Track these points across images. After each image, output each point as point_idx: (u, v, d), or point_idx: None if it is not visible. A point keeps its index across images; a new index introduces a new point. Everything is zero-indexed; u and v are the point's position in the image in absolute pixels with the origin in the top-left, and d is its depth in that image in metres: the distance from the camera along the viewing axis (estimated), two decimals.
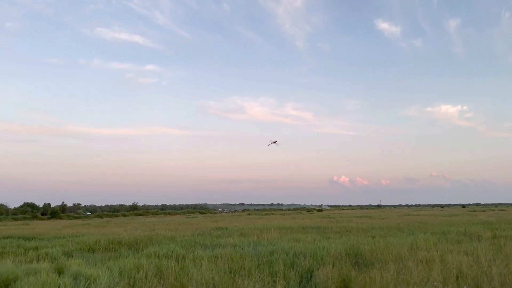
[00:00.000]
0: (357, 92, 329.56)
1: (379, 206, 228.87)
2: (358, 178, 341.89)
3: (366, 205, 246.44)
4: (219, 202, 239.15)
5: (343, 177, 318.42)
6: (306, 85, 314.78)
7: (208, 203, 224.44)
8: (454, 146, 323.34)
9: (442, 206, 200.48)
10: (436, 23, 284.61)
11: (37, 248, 19.99)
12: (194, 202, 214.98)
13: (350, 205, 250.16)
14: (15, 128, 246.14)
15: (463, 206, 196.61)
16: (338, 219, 47.51)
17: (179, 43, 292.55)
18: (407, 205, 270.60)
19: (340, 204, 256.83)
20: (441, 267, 10.64)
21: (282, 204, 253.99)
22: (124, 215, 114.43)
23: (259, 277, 10.31)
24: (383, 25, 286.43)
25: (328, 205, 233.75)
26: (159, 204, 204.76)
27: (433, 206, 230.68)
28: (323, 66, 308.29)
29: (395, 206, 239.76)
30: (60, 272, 11.79)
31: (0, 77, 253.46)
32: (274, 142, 53.24)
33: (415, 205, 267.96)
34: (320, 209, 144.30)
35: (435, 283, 8.91)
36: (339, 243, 17.23)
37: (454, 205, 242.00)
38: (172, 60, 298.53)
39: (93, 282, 10.04)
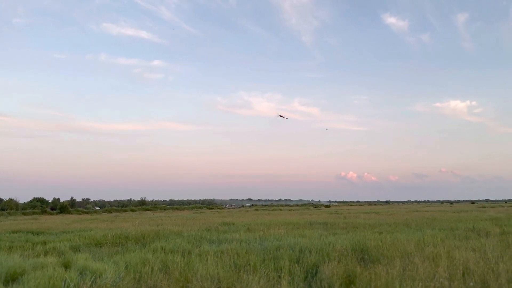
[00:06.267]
0: (364, 87, 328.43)
1: (387, 202, 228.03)
2: (366, 173, 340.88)
3: (374, 201, 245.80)
4: (226, 197, 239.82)
5: (351, 172, 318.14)
6: (313, 80, 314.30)
7: (216, 198, 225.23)
8: (463, 142, 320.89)
9: (451, 202, 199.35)
10: (444, 18, 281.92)
11: (45, 242, 20.15)
12: (201, 198, 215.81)
13: (358, 201, 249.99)
14: (24, 124, 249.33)
15: (473, 202, 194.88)
16: (345, 215, 47.37)
17: (185, 39, 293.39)
18: (416, 201, 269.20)
19: (348, 200, 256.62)
20: (447, 264, 10.56)
21: (289, 200, 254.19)
22: (133, 210, 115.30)
23: (264, 273, 10.30)
24: (391, 20, 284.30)
25: (336, 201, 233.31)
26: (167, 199, 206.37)
27: (442, 202, 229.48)
28: (330, 61, 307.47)
29: (403, 202, 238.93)
30: (67, 266, 11.88)
31: (9, 73, 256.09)
32: (283, 116, 58.78)
33: (424, 201, 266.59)
34: (327, 205, 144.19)
35: (441, 280, 8.83)
36: (345, 239, 17.16)
37: (464, 201, 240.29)
38: (178, 56, 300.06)
39: (99, 277, 10.12)
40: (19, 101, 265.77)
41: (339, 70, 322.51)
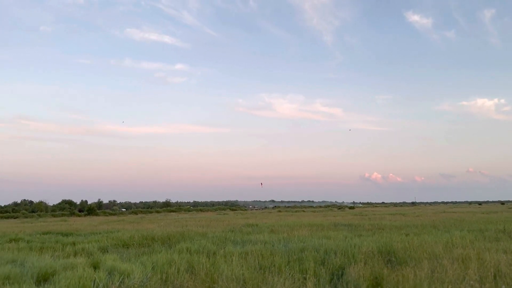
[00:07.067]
0: (388, 86, 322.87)
1: (413, 204, 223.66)
2: (391, 174, 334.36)
3: (400, 203, 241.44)
4: (249, 199, 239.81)
5: (375, 173, 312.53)
6: (335, 80, 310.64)
7: (239, 200, 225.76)
8: (491, 141, 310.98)
9: (479, 203, 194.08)
10: (469, 14, 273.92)
11: (74, 243, 20.64)
12: (225, 199, 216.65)
13: (383, 202, 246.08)
14: (53, 128, 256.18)
15: (502, 203, 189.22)
16: (370, 217, 46.74)
17: (207, 42, 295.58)
18: (443, 202, 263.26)
19: (373, 201, 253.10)
20: (477, 266, 10.28)
21: (312, 201, 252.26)
22: (158, 212, 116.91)
23: (289, 274, 10.28)
24: (414, 17, 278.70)
25: (360, 202, 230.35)
26: (191, 201, 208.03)
27: (470, 203, 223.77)
28: (352, 60, 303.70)
29: (430, 203, 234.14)
30: (95, 267, 12.14)
31: (37, 80, 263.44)
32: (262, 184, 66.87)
33: (451, 202, 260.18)
34: (352, 207, 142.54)
35: (471, 282, 8.62)
36: (371, 240, 16.94)
37: (493, 201, 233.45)
38: (200, 59, 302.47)
39: (127, 277, 10.31)
40: (46, 106, 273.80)
41: (362, 70, 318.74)
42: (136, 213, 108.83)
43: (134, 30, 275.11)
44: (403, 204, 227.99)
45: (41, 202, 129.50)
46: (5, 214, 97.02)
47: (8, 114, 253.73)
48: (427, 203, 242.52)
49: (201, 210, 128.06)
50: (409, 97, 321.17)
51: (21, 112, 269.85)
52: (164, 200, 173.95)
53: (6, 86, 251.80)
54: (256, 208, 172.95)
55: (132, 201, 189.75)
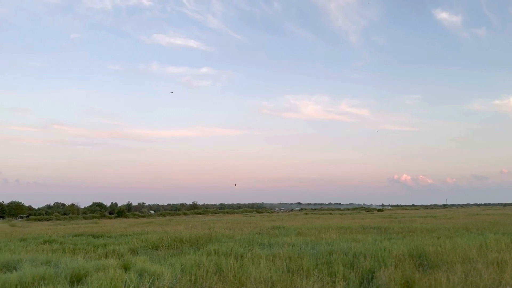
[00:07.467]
0: (416, 86, 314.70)
1: (445, 206, 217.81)
2: (421, 176, 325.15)
3: (430, 205, 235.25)
4: (275, 201, 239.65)
5: (404, 175, 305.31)
6: (361, 80, 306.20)
7: (265, 202, 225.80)
8: None
9: None
10: (500, 10, 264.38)
11: (105, 245, 21.11)
12: (251, 202, 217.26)
13: (413, 205, 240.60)
14: (83, 133, 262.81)
15: None
16: (400, 219, 45.84)
17: (232, 45, 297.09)
18: (475, 204, 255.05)
19: (402, 203, 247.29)
20: None
21: (340, 204, 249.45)
22: (185, 214, 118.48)
23: (318, 277, 10.20)
24: (442, 15, 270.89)
25: (389, 205, 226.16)
26: (218, 203, 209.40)
27: (504, 205, 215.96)
28: (379, 60, 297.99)
29: (462, 206, 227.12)
30: (126, 268, 12.39)
31: (69, 85, 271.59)
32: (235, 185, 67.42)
33: (484, 204, 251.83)
34: (380, 209, 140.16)
35: (508, 287, 8.32)
36: (401, 243, 16.60)
37: None
38: (225, 62, 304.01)
39: (157, 278, 10.47)
40: (78, 111, 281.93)
41: (389, 70, 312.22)
42: (164, 215, 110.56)
43: (160, 35, 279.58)
44: (434, 206, 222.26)
45: (72, 205, 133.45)
46: (39, 217, 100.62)
47: (41, 120, 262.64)
48: (459, 205, 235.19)
49: (227, 213, 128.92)
50: (439, 96, 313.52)
51: (54, 117, 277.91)
52: (191, 203, 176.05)
53: (40, 93, 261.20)
54: (282, 210, 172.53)
55: (160, 204, 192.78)
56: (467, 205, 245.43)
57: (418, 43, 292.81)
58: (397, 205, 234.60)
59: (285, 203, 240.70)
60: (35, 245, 22.27)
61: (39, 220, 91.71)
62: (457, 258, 12.37)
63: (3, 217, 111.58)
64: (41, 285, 10.16)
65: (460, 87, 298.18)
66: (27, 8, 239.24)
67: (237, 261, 12.93)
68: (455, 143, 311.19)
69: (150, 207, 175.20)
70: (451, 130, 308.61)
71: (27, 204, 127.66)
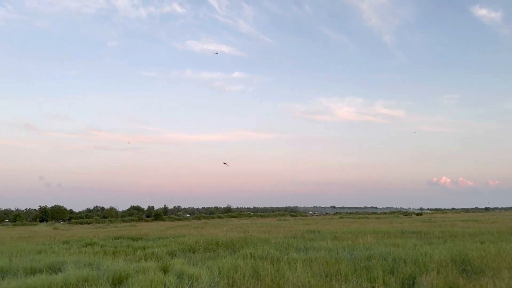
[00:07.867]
0: (455, 85, 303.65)
1: (487, 209, 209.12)
2: (461, 178, 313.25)
3: (472, 208, 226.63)
4: (309, 205, 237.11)
5: (443, 178, 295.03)
6: (396, 81, 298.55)
7: (299, 205, 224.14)
8: None
9: None
10: None
11: (144, 248, 21.55)
12: (284, 205, 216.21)
13: (453, 208, 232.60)
14: (120, 138, 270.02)
15: None
16: (440, 223, 44.37)
17: (263, 49, 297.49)
18: None
19: (442, 207, 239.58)
20: None
21: (376, 208, 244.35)
22: (219, 217, 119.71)
23: (357, 283, 10.02)
24: (481, 12, 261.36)
25: (428, 208, 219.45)
26: (251, 206, 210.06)
27: None
28: (414, 60, 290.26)
29: (506, 209, 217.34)
30: (165, 270, 12.60)
31: (106, 92, 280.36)
32: (226, 163, 63.17)
33: None
34: (419, 213, 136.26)
35: None
36: (443, 248, 16.06)
37: None
38: (257, 66, 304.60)
39: (196, 281, 10.60)
40: (114, 117, 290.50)
41: (425, 69, 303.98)
42: (199, 219, 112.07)
43: (193, 42, 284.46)
44: (476, 209, 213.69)
45: (111, 208, 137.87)
46: (79, 220, 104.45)
47: (80, 126, 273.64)
48: (502, 208, 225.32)
49: (261, 216, 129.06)
50: (479, 96, 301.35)
51: (92, 123, 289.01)
52: (225, 206, 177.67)
53: (78, 100, 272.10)
54: (316, 214, 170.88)
55: (195, 207, 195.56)
56: (511, 208, 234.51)
57: (456, 41, 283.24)
58: (436, 208, 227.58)
59: (319, 206, 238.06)
60: (78, 247, 23.03)
61: (80, 223, 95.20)
62: (503, 263, 11.85)
63: (46, 221, 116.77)
64: (85, 286, 10.50)
65: (500, 86, 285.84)
66: (66, 19, 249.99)
67: (273, 265, 12.90)
68: (496, 143, 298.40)
69: (186, 210, 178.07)
70: (491, 131, 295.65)
71: (68, 208, 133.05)
